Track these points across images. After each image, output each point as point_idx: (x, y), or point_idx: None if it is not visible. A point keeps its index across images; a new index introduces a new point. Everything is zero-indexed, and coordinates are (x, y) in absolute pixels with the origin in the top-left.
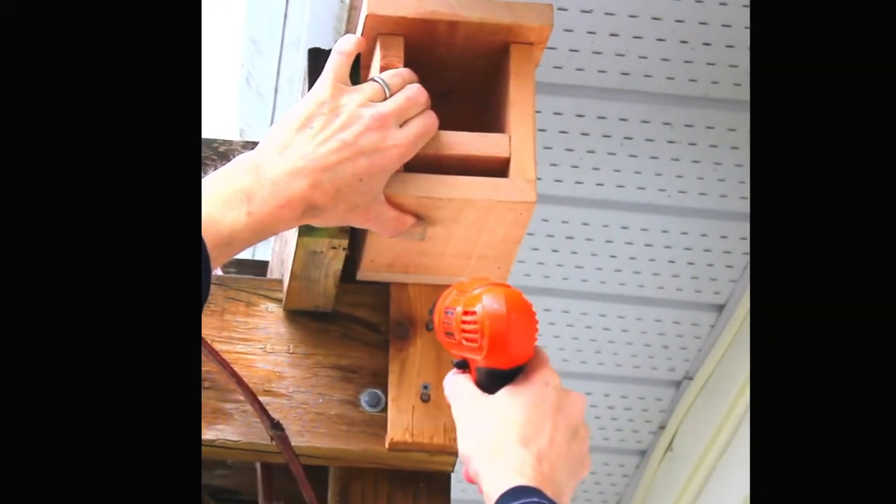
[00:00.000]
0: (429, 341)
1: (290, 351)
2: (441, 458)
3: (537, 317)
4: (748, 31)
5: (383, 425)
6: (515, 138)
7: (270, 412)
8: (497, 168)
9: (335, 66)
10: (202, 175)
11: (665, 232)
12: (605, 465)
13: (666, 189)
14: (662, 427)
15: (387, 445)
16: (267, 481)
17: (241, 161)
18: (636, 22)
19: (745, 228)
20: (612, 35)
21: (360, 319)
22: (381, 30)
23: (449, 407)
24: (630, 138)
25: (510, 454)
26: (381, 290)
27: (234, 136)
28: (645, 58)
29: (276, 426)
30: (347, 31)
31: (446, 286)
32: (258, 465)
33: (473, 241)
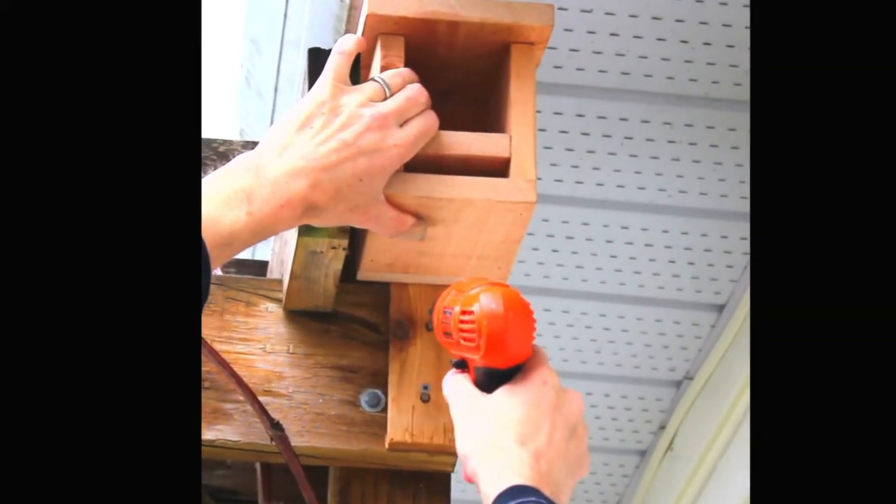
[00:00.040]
0: (429, 341)
1: (290, 351)
2: (441, 459)
3: (535, 316)
4: (748, 30)
5: (383, 425)
6: (516, 138)
7: (270, 412)
8: (497, 168)
9: (335, 66)
10: (202, 175)
11: (665, 232)
12: (606, 465)
13: (666, 189)
14: (663, 427)
15: (387, 446)
16: (267, 481)
17: (240, 161)
18: (636, 21)
19: (745, 228)
20: (612, 35)
21: (360, 319)
22: (382, 29)
23: (449, 407)
24: (630, 138)
25: (508, 453)
26: (381, 290)
27: (233, 135)
28: (645, 57)
29: (275, 426)
30: (347, 31)
31: (446, 286)
32: (258, 466)
33: (473, 241)
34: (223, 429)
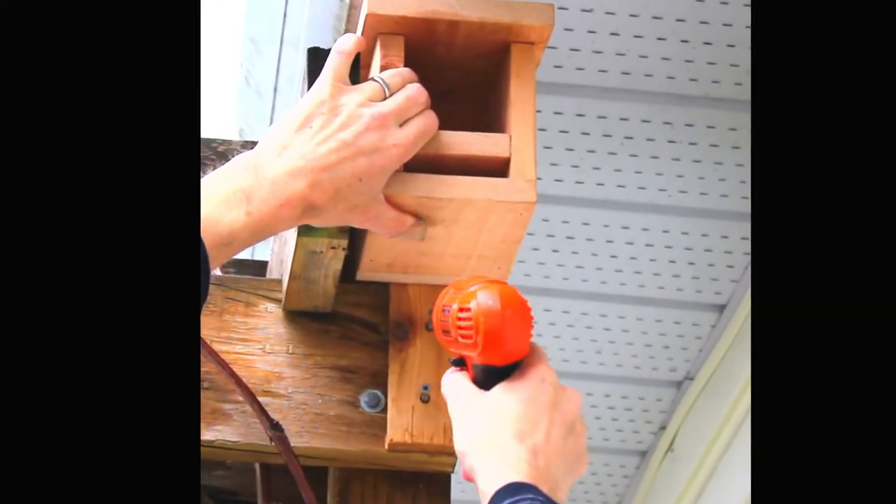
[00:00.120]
0: (428, 342)
1: (290, 351)
2: (441, 459)
3: (534, 315)
4: (749, 30)
5: (383, 426)
6: (516, 138)
7: (270, 413)
8: (497, 168)
9: (335, 66)
10: (201, 175)
11: (666, 232)
12: (606, 465)
13: (667, 189)
14: (663, 427)
15: (386, 446)
16: (266, 482)
17: (240, 161)
18: (637, 21)
19: (746, 228)
20: (612, 34)
21: (359, 320)
22: (381, 29)
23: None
24: (631, 138)
25: (505, 450)
26: (380, 291)
27: (233, 135)
28: (646, 57)
29: (275, 427)
30: (347, 31)
31: (446, 286)
32: (257, 466)
33: (473, 241)
34: (222, 429)
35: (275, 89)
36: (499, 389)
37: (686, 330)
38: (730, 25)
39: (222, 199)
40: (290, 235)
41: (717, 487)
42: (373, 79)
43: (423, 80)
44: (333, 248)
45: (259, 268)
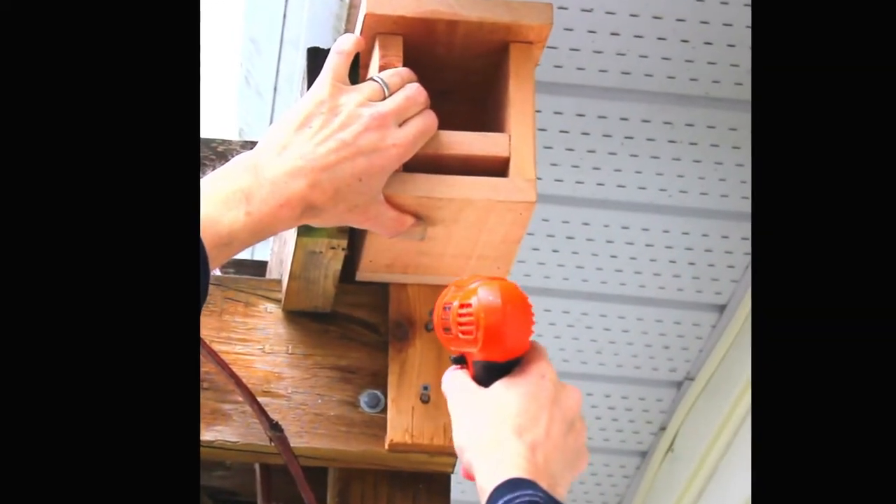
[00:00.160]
0: (428, 342)
1: (289, 351)
2: (441, 460)
3: (535, 314)
4: (749, 29)
5: (383, 426)
6: (515, 138)
7: (269, 413)
8: (497, 168)
9: (334, 66)
10: (201, 175)
11: (666, 232)
12: (606, 465)
13: (667, 189)
14: (663, 428)
15: (386, 446)
16: (266, 482)
17: (239, 161)
18: (637, 21)
19: (746, 228)
20: (612, 34)
21: (359, 320)
22: (380, 29)
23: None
24: (631, 138)
25: (504, 446)
26: (380, 291)
27: (232, 135)
28: (646, 57)
29: (274, 427)
30: (346, 31)
31: (446, 286)
32: (257, 467)
33: (473, 241)
34: (222, 429)
35: (275, 89)
36: (499, 385)
37: (686, 330)
38: (730, 25)
39: (222, 199)
40: (290, 235)
41: (717, 488)
42: (372, 79)
43: (423, 79)
44: (333, 248)
45: (259, 268)
